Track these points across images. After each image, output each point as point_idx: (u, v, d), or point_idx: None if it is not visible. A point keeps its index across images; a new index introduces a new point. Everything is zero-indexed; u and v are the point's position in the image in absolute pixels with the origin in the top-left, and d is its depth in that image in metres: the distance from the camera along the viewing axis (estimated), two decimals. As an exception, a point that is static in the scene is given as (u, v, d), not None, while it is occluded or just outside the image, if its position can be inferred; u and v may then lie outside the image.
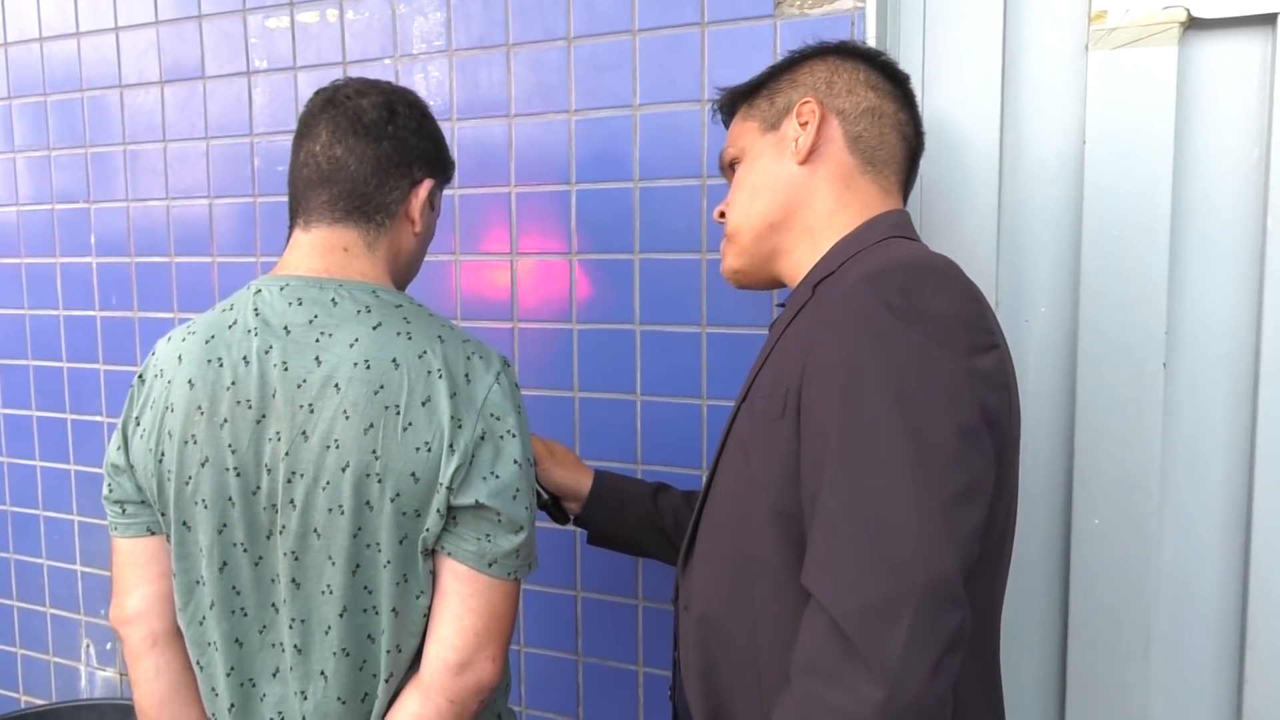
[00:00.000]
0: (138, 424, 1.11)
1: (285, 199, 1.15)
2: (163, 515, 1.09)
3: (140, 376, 1.13)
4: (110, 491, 1.13)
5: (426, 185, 1.14)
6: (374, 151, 1.08)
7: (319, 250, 1.09)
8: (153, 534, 1.13)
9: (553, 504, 1.34)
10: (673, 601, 1.14)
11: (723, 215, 1.15)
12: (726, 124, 1.18)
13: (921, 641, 0.74)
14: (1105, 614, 1.33)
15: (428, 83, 1.62)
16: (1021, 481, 1.34)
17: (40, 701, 2.17)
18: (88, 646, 2.10)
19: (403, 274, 1.18)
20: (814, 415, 0.86)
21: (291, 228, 1.13)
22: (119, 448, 1.12)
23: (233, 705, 1.10)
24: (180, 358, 1.08)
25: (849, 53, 1.08)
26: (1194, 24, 1.23)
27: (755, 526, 0.94)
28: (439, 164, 1.17)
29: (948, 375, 0.82)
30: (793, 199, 1.05)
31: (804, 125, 1.04)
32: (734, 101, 1.15)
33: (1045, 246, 1.34)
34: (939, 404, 0.81)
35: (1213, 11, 1.22)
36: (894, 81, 1.08)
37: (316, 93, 1.13)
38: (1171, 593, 1.33)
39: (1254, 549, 1.27)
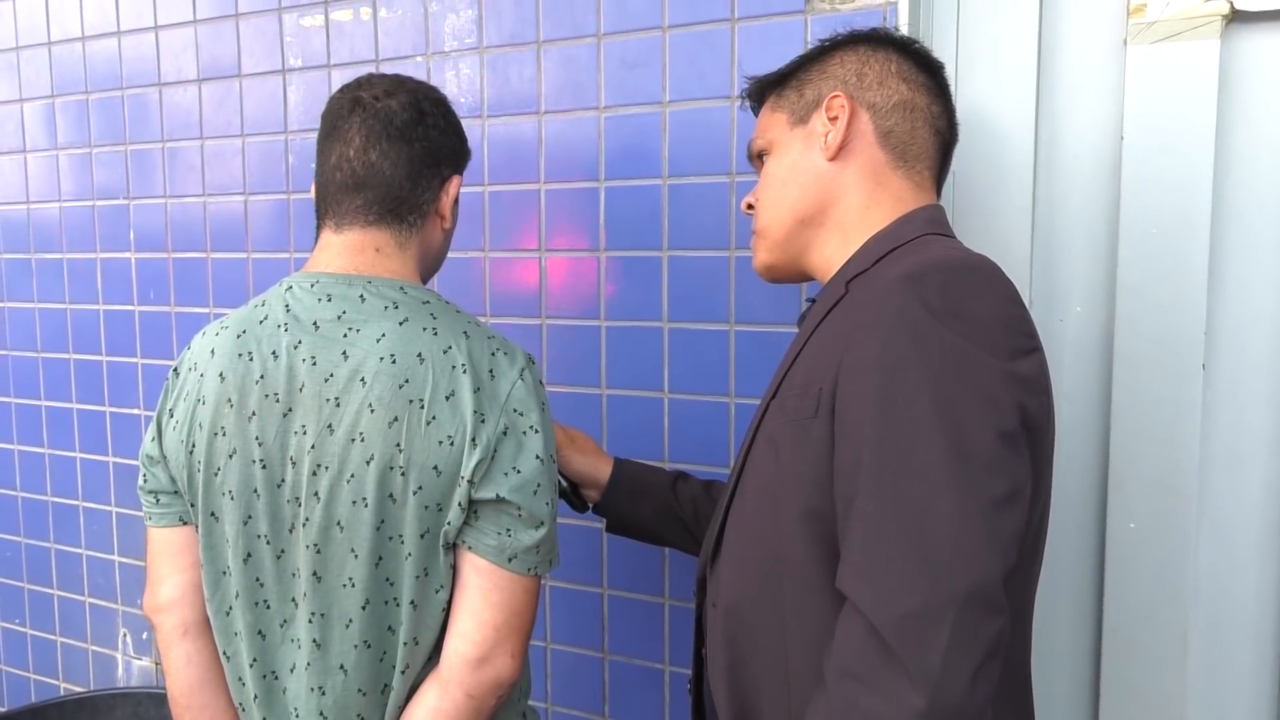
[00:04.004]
0: (171, 415, 1.13)
1: (314, 194, 1.16)
2: (192, 505, 1.11)
3: (175, 369, 1.15)
4: (145, 482, 1.16)
5: (456, 182, 1.15)
6: (407, 155, 1.09)
7: (350, 250, 1.10)
8: (185, 524, 1.14)
9: (571, 491, 1.34)
10: (695, 594, 1.13)
11: (750, 207, 1.14)
12: (756, 112, 1.17)
13: (963, 648, 0.73)
14: (1141, 620, 1.30)
15: (459, 80, 1.63)
16: (1056, 484, 1.32)
17: (79, 689, 2.21)
18: (125, 636, 2.14)
19: (430, 267, 1.20)
20: (850, 416, 0.85)
21: (320, 227, 1.14)
22: (153, 439, 1.15)
23: (256, 696, 1.11)
24: (213, 351, 1.09)
25: (881, 41, 1.06)
26: (1237, 17, 1.20)
27: (785, 526, 0.93)
28: (461, 157, 1.18)
29: (987, 378, 0.81)
30: (823, 195, 1.04)
31: (833, 120, 1.03)
32: (763, 90, 1.14)
33: (1081, 244, 1.31)
34: (979, 407, 0.79)
35: (1256, 4, 1.19)
36: (927, 71, 1.06)
37: (341, 91, 1.14)
38: (1209, 599, 1.30)
39: (1295, 555, 1.24)
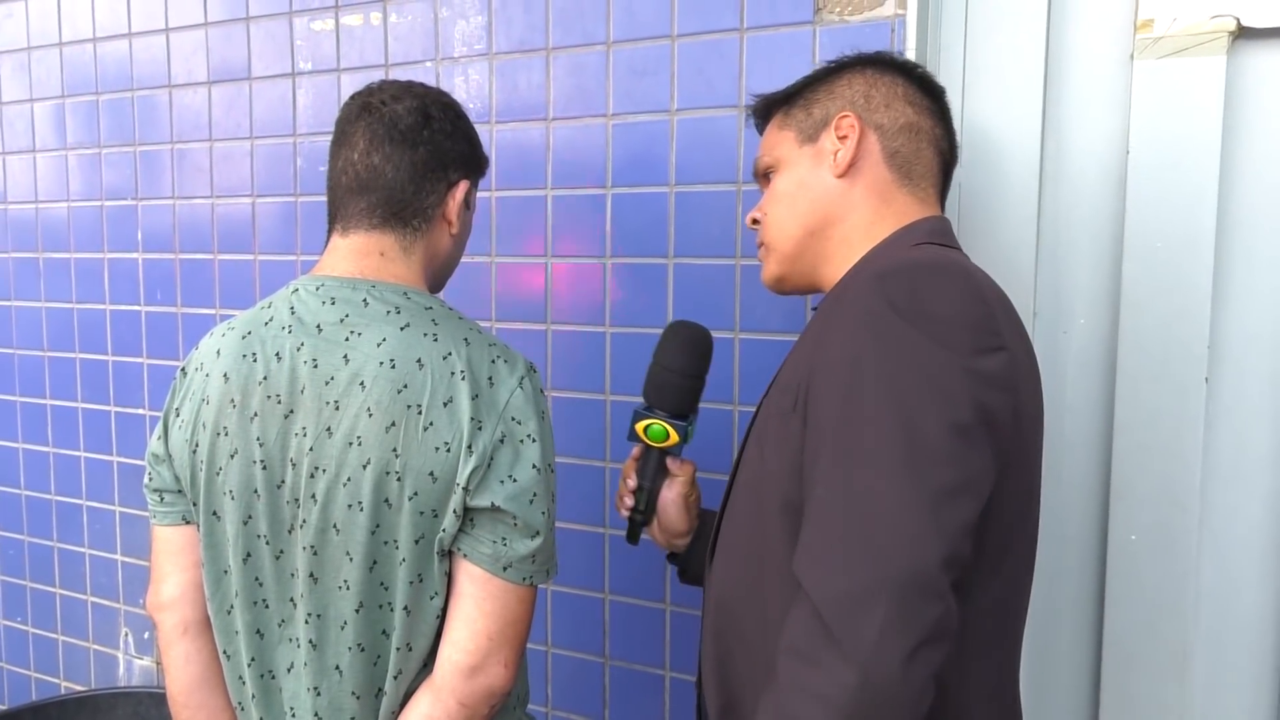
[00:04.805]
0: (177, 415, 1.14)
1: (326, 199, 1.17)
2: (195, 505, 1.12)
3: (183, 369, 1.16)
4: (150, 480, 1.16)
5: (463, 187, 1.15)
6: (410, 158, 1.10)
7: (355, 254, 1.10)
8: (188, 523, 1.15)
9: (643, 517, 1.25)
10: (703, 594, 1.15)
11: (755, 222, 1.16)
12: (760, 130, 1.19)
13: (896, 630, 0.75)
14: (1141, 632, 1.30)
15: (468, 85, 1.64)
16: (1058, 495, 1.33)
17: (79, 688, 2.21)
18: (126, 635, 2.14)
19: (439, 273, 1.19)
20: (816, 409, 0.88)
21: (330, 232, 1.15)
22: (159, 438, 1.15)
23: (254, 695, 1.11)
24: (219, 352, 1.10)
25: (886, 65, 1.09)
26: (1243, 33, 1.21)
27: (766, 519, 0.95)
28: (473, 163, 1.18)
29: (944, 373, 0.83)
30: (830, 211, 1.06)
31: (843, 140, 1.06)
32: (770, 108, 1.16)
33: (1085, 257, 1.32)
34: (933, 400, 0.82)
35: (1263, 21, 1.19)
36: (930, 95, 1.09)
37: (351, 97, 1.15)
38: (1209, 611, 1.30)
39: (1296, 571, 1.24)
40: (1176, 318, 1.25)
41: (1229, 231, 1.24)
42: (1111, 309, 1.30)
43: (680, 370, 1.19)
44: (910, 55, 1.30)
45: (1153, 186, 1.25)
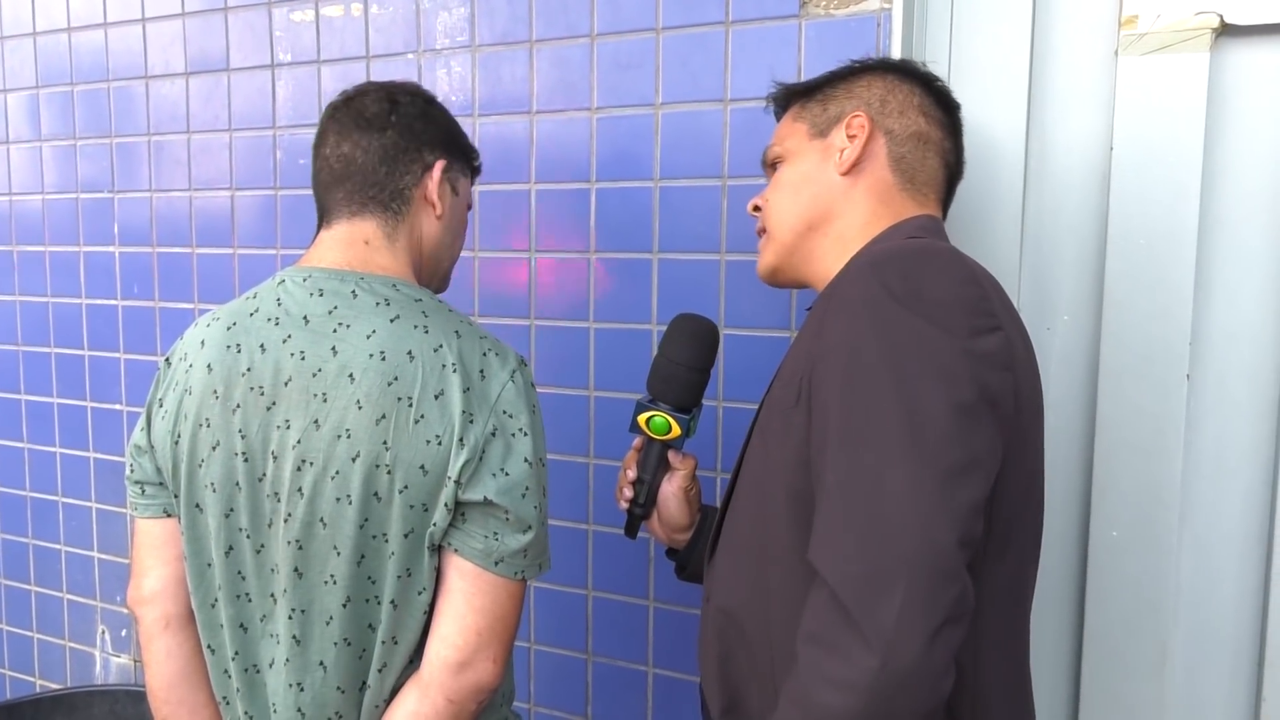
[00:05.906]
0: (160, 406, 1.13)
1: (307, 191, 1.16)
2: (176, 497, 1.10)
3: (167, 360, 1.15)
4: (132, 472, 1.15)
5: (440, 165, 1.15)
6: (379, 141, 1.11)
7: (341, 244, 1.10)
8: (170, 516, 1.14)
9: (642, 514, 1.25)
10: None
11: (757, 209, 1.17)
12: (778, 117, 1.20)
13: (916, 611, 0.74)
14: (1121, 628, 1.31)
15: (450, 78, 1.63)
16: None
17: (55, 686, 2.19)
18: (103, 632, 2.12)
19: (428, 263, 1.18)
20: (819, 397, 0.88)
21: (318, 231, 1.15)
22: (142, 429, 1.14)
23: (239, 689, 1.10)
24: (203, 343, 1.09)
25: (907, 73, 1.10)
26: (1226, 30, 1.21)
27: (771, 512, 0.95)
28: (454, 147, 1.18)
29: (944, 355, 0.83)
30: (830, 206, 1.07)
31: (852, 138, 1.07)
32: (789, 99, 1.17)
33: (1069, 254, 1.32)
34: (935, 382, 0.82)
35: (1246, 18, 1.20)
36: (945, 109, 1.11)
37: (329, 104, 1.17)
38: (1189, 608, 1.31)
39: (1275, 565, 1.25)
40: (1159, 314, 1.25)
41: (1212, 228, 1.25)
42: (1094, 306, 1.31)
43: (685, 363, 1.19)
44: (895, 49, 1.30)
45: (1136, 183, 1.26)
